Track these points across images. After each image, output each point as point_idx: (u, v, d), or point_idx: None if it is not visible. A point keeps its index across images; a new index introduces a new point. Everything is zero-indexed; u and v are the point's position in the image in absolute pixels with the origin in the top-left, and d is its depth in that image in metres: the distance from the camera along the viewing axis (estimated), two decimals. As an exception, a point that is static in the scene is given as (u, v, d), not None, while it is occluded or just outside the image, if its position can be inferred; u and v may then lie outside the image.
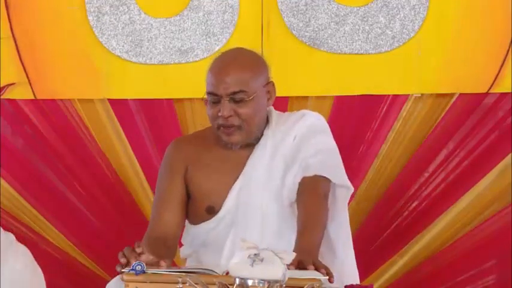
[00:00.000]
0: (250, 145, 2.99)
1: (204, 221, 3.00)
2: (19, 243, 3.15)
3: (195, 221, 3.03)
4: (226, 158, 3.00)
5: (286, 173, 2.95)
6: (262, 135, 3.00)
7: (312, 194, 2.89)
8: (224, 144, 2.96)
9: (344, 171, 3.01)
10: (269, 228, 2.94)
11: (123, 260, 2.53)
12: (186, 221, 3.08)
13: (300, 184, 2.92)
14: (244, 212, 2.95)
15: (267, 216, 2.94)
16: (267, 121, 3.02)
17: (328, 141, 3.03)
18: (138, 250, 2.54)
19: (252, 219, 2.94)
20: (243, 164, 2.97)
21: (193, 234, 3.05)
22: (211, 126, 2.98)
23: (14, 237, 3.15)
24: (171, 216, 2.99)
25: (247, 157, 2.98)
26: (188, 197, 3.03)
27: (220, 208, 2.96)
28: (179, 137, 3.21)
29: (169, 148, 3.10)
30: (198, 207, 3.00)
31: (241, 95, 2.89)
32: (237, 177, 2.97)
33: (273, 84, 2.99)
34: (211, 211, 2.98)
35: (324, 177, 2.92)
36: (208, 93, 2.92)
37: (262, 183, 2.96)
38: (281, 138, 2.99)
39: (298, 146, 2.98)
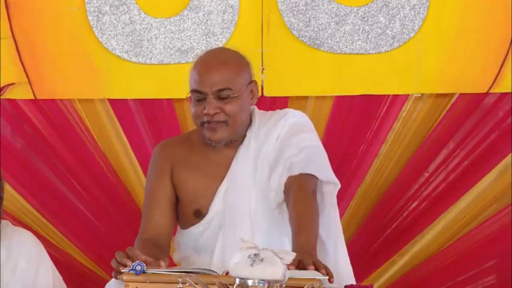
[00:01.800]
0: (234, 146, 2.98)
1: (192, 224, 3.00)
2: (21, 232, 3.15)
3: (185, 225, 3.03)
4: (211, 160, 2.99)
5: (271, 174, 2.94)
6: (245, 135, 2.99)
7: (300, 192, 2.88)
8: (208, 140, 2.94)
9: (330, 167, 3.00)
10: (259, 230, 2.93)
11: (121, 268, 2.53)
12: (178, 226, 3.08)
13: (287, 184, 2.91)
14: (233, 215, 2.94)
15: (256, 218, 2.94)
16: (250, 121, 3.02)
17: (311, 138, 3.02)
18: (140, 257, 2.54)
19: (240, 221, 2.93)
20: (228, 166, 2.97)
21: (184, 239, 3.04)
22: (195, 124, 2.97)
23: (12, 225, 3.16)
24: (161, 216, 2.99)
25: (232, 158, 2.98)
26: (177, 198, 3.02)
27: (207, 211, 2.96)
28: (165, 140, 3.21)
29: (155, 150, 3.10)
30: (186, 211, 3.00)
31: (227, 92, 2.89)
32: (222, 180, 2.96)
33: (256, 83, 3.00)
34: (199, 214, 2.98)
35: (310, 174, 2.92)
36: (193, 90, 2.92)
37: (248, 185, 2.95)
38: (264, 139, 2.99)
39: (281, 145, 2.97)
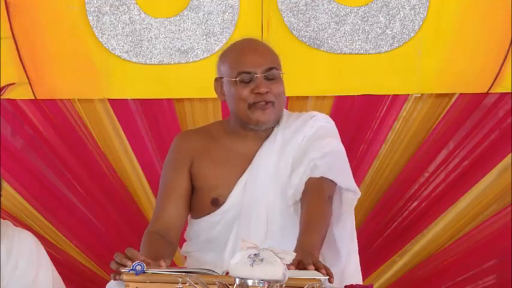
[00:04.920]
0: (259, 139, 3.00)
1: (208, 213, 3.00)
2: (21, 232, 3.15)
3: (199, 214, 3.03)
4: (234, 151, 3.01)
5: (293, 172, 2.96)
6: (272, 130, 3.01)
7: (316, 195, 2.90)
8: (255, 123, 2.96)
9: (351, 175, 3.03)
10: (274, 225, 2.94)
11: (121, 269, 2.52)
12: (189, 216, 3.08)
13: (306, 184, 2.93)
14: (250, 207, 2.95)
15: (272, 213, 2.94)
16: None
17: (336, 144, 3.05)
18: (139, 257, 2.53)
19: (257, 215, 2.94)
20: (251, 158, 2.99)
21: (197, 229, 3.04)
22: (235, 112, 2.98)
23: (12, 225, 3.16)
24: (174, 209, 2.99)
25: (255, 152, 2.99)
26: (192, 190, 3.03)
27: (225, 200, 2.97)
28: (185, 130, 3.23)
29: (175, 141, 3.11)
30: (203, 200, 3.00)
31: (274, 72, 2.95)
32: (244, 171, 2.98)
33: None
34: (216, 203, 2.98)
35: (330, 179, 2.94)
36: (242, 72, 2.95)
37: (269, 179, 2.96)
38: (290, 137, 3.00)
39: (306, 146, 2.99)
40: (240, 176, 2.97)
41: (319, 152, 2.97)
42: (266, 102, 2.94)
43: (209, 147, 3.04)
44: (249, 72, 2.94)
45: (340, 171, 2.99)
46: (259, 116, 2.95)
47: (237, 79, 2.95)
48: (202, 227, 3.02)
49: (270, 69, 2.95)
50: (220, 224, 2.98)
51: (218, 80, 3.03)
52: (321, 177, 2.93)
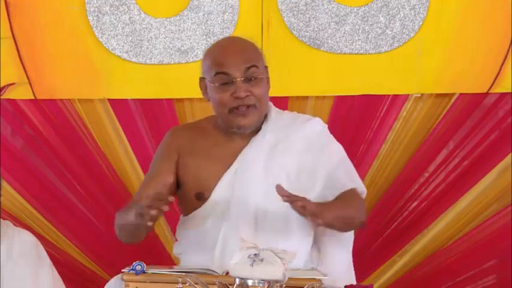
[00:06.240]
0: (247, 136, 2.97)
1: (195, 209, 2.98)
2: (21, 232, 3.16)
3: (187, 211, 3.01)
4: (221, 147, 2.98)
5: (314, 181, 2.93)
6: (260, 127, 2.98)
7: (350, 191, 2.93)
8: (236, 127, 2.92)
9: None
10: (264, 225, 2.91)
11: (154, 212, 2.53)
12: (181, 216, 3.07)
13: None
14: (237, 205, 2.90)
15: (262, 212, 2.91)
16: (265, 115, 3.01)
17: (340, 149, 3.04)
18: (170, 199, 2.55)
19: (244, 213, 2.90)
20: (237, 154, 2.95)
21: (186, 227, 3.01)
22: (217, 114, 2.95)
23: (12, 225, 3.17)
24: (152, 192, 2.96)
25: (242, 148, 2.96)
26: (180, 185, 3.01)
27: (210, 194, 2.94)
28: (177, 125, 3.21)
29: (166, 136, 3.11)
30: (188, 194, 2.98)
31: (254, 71, 2.88)
32: (229, 166, 2.94)
33: (268, 70, 3.00)
34: (201, 197, 2.95)
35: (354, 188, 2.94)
36: (219, 73, 2.89)
37: (258, 175, 2.92)
38: (284, 136, 2.97)
39: (315, 150, 2.96)
40: (225, 171, 2.94)
41: (332, 159, 2.95)
42: (248, 106, 2.89)
43: (197, 142, 3.02)
44: (226, 74, 2.88)
45: (356, 177, 3.00)
46: (240, 121, 2.91)
47: (216, 84, 2.89)
48: (191, 225, 2.99)
49: (249, 68, 2.88)
50: (208, 221, 2.94)
51: (202, 80, 2.99)
52: (351, 188, 2.93)
